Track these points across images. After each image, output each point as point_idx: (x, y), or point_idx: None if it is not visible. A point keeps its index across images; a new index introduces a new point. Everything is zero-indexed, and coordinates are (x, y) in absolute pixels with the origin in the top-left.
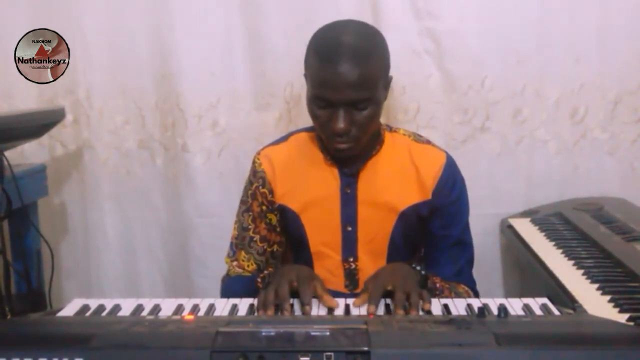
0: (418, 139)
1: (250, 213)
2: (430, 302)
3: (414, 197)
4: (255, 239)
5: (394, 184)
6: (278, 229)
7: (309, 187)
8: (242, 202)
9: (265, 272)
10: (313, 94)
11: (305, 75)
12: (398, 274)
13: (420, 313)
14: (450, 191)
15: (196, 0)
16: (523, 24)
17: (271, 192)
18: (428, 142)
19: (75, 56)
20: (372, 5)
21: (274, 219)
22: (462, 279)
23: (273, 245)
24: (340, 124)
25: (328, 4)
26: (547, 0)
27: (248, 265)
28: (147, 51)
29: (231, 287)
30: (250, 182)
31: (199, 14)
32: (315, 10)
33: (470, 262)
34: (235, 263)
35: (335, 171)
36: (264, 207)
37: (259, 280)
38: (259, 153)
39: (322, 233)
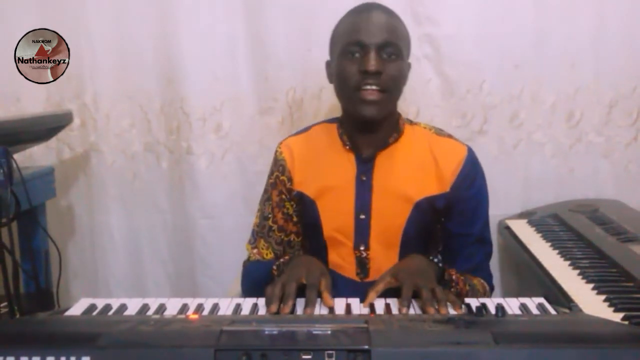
0: (439, 132)
1: (270, 202)
2: (459, 303)
3: (430, 189)
4: (273, 228)
5: (410, 174)
6: (295, 219)
7: (326, 174)
8: (265, 191)
9: (281, 260)
10: (345, 46)
11: (329, 62)
12: (420, 271)
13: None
14: (471, 185)
15: (201, 8)
16: (520, 30)
17: (290, 179)
18: (450, 135)
19: (82, 61)
20: None
21: (291, 208)
22: (479, 273)
23: (290, 234)
24: (372, 62)
25: (329, 10)
26: (543, 7)
27: (266, 254)
28: (152, 56)
29: (252, 271)
30: (271, 171)
31: (204, 21)
32: (317, 17)
33: (488, 256)
34: (255, 250)
35: (352, 158)
36: (282, 196)
37: (275, 268)
38: (280, 143)
39: (335, 219)
